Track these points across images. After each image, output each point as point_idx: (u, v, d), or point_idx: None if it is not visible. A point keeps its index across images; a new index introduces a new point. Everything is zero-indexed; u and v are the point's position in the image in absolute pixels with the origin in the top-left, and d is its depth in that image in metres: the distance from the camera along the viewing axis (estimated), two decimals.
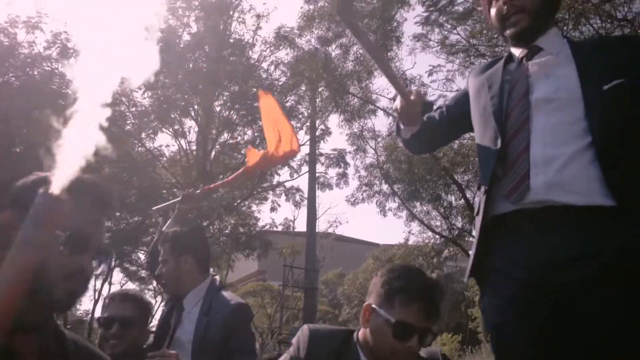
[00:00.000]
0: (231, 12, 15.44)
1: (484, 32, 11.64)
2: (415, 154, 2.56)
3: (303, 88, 14.79)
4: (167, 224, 2.81)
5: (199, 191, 2.89)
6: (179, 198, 2.86)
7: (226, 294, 2.43)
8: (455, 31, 12.13)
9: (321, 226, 19.74)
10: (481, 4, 1.76)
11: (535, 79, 1.53)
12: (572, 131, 1.43)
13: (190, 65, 15.02)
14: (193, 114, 15.71)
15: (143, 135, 16.16)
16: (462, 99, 1.80)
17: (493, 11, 1.65)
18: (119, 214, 15.50)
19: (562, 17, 11.65)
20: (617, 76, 1.45)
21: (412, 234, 16.81)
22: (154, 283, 15.19)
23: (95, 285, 17.07)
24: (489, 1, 1.68)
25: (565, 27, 11.60)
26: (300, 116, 15.61)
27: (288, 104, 15.39)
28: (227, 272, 18.75)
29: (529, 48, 1.60)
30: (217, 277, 2.53)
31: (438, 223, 15.77)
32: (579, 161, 1.39)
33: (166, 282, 2.47)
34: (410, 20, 14.04)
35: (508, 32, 1.62)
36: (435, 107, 1.88)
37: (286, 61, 14.91)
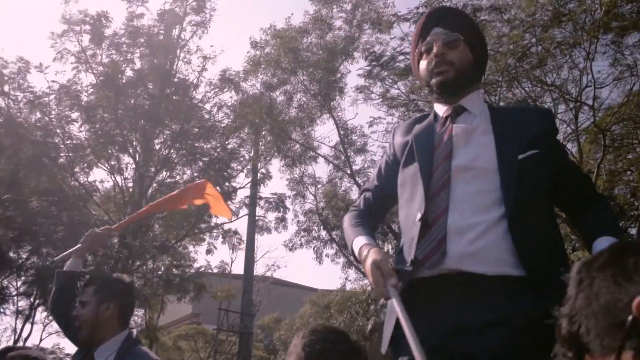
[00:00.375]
0: (178, 52, 15.38)
1: (425, 90, 12.10)
2: None
3: (246, 131, 14.75)
4: (60, 256, 2.65)
5: (101, 229, 2.71)
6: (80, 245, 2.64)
7: (142, 349, 2.28)
8: (396, 86, 12.52)
9: (259, 269, 19.46)
10: (411, 58, 1.82)
11: (457, 143, 1.58)
12: (488, 200, 1.47)
13: (132, 101, 14.76)
14: (131, 151, 15.33)
15: (77, 169, 15.62)
16: (390, 170, 1.80)
17: (423, 64, 1.70)
18: (45, 249, 14.74)
19: (496, 79, 12.32)
20: (530, 147, 1.52)
21: (349, 281, 16.81)
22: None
23: (15, 325, 15.97)
24: (420, 55, 1.73)
25: (498, 89, 12.26)
26: (242, 159, 15.50)
27: (230, 146, 15.29)
28: (159, 314, 18.05)
29: (454, 108, 1.65)
30: (134, 332, 2.38)
31: None
32: (493, 231, 1.42)
33: (81, 326, 2.27)
34: (354, 72, 14.45)
35: (434, 80, 1.66)
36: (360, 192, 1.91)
37: (229, 104, 14.87)
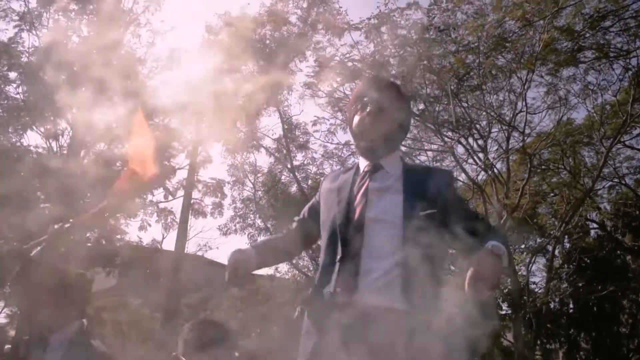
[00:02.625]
0: (127, 21, 14.99)
1: None
2: None
3: (189, 111, 14.60)
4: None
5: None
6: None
7: (94, 342, 2.36)
8: (342, 88, 12.77)
9: (191, 248, 19.40)
10: (347, 108, 2.10)
11: (371, 197, 1.86)
12: (390, 248, 1.77)
13: (75, 69, 14.30)
14: (70, 117, 14.89)
15: (10, 129, 15.04)
16: (314, 211, 2.10)
17: (356, 118, 1.98)
18: None
19: (437, 95, 12.79)
20: (430, 206, 1.80)
21: (279, 272, 17.10)
22: None
23: None
24: (355, 109, 2.00)
25: (437, 105, 12.73)
26: (183, 139, 15.34)
27: (173, 125, 15.10)
28: None
29: (373, 165, 1.94)
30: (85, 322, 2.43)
31: (305, 263, 16.22)
32: (390, 274, 1.74)
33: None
34: (303, 69, 14.60)
35: (362, 144, 1.99)
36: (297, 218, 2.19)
37: (176, 84, 14.67)
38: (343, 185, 1.97)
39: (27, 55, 14.05)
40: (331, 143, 13.78)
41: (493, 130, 13.72)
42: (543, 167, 14.95)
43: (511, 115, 13.30)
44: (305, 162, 14.38)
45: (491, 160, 12.91)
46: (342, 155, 13.63)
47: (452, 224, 1.85)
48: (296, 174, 13.95)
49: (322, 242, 1.96)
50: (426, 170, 2.16)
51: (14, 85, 14.21)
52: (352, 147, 13.31)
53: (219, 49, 12.97)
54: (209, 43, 13.24)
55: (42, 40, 13.61)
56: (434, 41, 12.03)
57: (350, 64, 12.15)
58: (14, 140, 15.21)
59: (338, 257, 1.82)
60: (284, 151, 14.30)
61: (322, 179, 2.26)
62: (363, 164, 1.99)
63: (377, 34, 11.97)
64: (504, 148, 13.37)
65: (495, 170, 13.38)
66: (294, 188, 14.54)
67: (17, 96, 14.36)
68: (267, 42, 12.96)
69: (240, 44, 12.70)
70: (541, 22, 11.18)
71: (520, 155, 13.74)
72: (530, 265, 15.71)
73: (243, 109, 13.47)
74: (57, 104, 14.24)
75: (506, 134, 13.36)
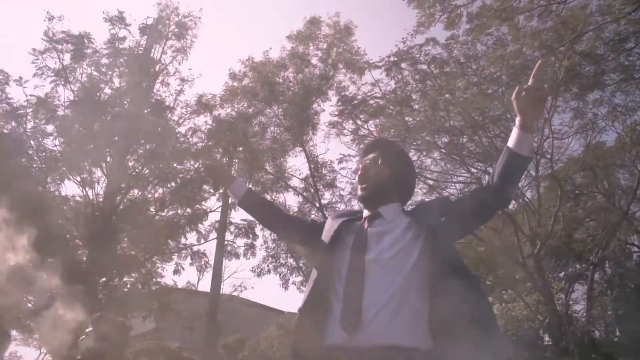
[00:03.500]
0: (157, 69, 15.59)
1: (391, 130, 12.54)
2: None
3: (219, 156, 14.94)
4: None
5: None
6: None
7: None
8: (366, 125, 12.90)
9: (225, 289, 19.51)
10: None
11: (371, 241, 1.98)
12: (391, 287, 1.85)
13: (108, 118, 14.90)
14: (104, 166, 15.42)
15: (49, 179, 15.63)
16: (316, 231, 2.23)
17: (358, 176, 2.19)
18: None
19: (459, 126, 12.76)
20: (438, 219, 1.97)
21: None
22: None
23: None
24: (358, 167, 2.23)
25: (462, 138, 12.67)
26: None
27: (202, 169, 15.39)
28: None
29: (372, 213, 2.08)
30: None
31: None
32: (389, 307, 1.82)
33: None
34: (327, 108, 14.86)
35: (359, 194, 2.17)
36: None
37: (204, 129, 15.08)
38: (347, 228, 2.10)
39: (62, 108, 14.72)
40: None
41: None
42: (576, 192, 14.67)
43: (538, 142, 13.16)
44: (334, 200, 14.50)
45: (520, 188, 12.74)
46: None
47: (462, 204, 2.06)
48: (325, 212, 14.01)
49: (317, 278, 2.05)
50: (422, 205, 2.34)
51: (51, 137, 14.83)
52: None
53: (243, 94, 13.34)
54: (233, 89, 13.61)
55: (76, 94, 14.25)
56: (455, 74, 12.12)
57: (372, 101, 12.29)
58: (52, 189, 15.77)
59: (341, 294, 1.91)
60: (312, 190, 14.43)
61: (328, 215, 2.43)
62: (366, 213, 2.14)
63: (398, 71, 12.13)
64: (533, 175, 13.19)
65: (526, 199, 13.19)
66: None
67: (54, 148, 14.95)
68: (290, 84, 13.24)
69: (264, 87, 13.06)
70: (561, 48, 11.16)
71: (551, 182, 13.54)
72: (569, 293, 15.25)
73: (270, 150, 13.75)
74: (92, 154, 14.83)
75: (534, 162, 13.20)
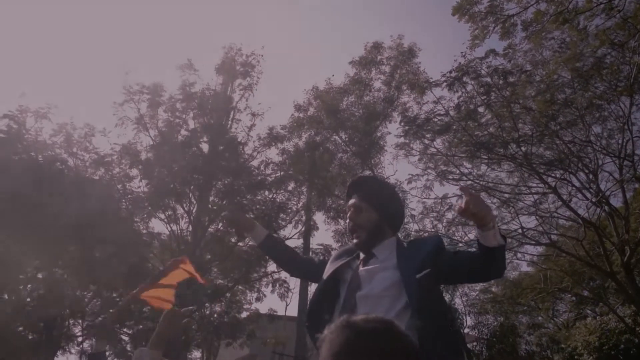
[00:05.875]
0: (231, 108, 16.36)
1: (460, 146, 12.38)
2: None
3: (292, 185, 15.36)
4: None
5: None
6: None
7: None
8: (433, 144, 12.80)
9: None
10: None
11: (363, 280, 2.12)
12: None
13: (191, 160, 15.76)
14: (186, 202, 16.26)
15: (137, 219, 16.63)
16: (319, 268, 2.41)
17: (345, 224, 2.32)
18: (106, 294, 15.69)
19: (528, 134, 12.36)
20: (424, 268, 2.01)
21: None
22: None
23: None
24: (347, 214, 2.33)
25: (531, 146, 12.28)
26: (289, 211, 16.08)
27: (279, 199, 15.93)
28: (214, 358, 18.69)
29: (366, 254, 2.21)
30: None
31: None
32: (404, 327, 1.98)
33: None
34: (392, 130, 14.88)
35: (353, 241, 2.25)
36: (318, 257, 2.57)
37: (276, 161, 15.54)
38: (346, 267, 2.25)
39: (145, 152, 15.74)
40: (428, 198, 13.70)
41: (605, 162, 12.88)
42: None
43: (620, 145, 12.47)
44: (405, 221, 14.32)
45: (604, 192, 12.07)
46: (440, 210, 13.44)
47: (454, 269, 2.04)
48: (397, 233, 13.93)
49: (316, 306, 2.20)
50: (416, 243, 2.31)
51: (136, 180, 15.86)
52: (450, 201, 13.21)
53: (309, 124, 13.68)
54: (299, 120, 14.00)
55: (154, 139, 15.23)
56: (521, 83, 11.83)
57: (436, 119, 12.21)
58: (141, 228, 16.77)
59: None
60: None
61: (333, 250, 2.55)
62: (362, 254, 2.25)
63: (461, 85, 11.99)
64: (617, 179, 12.48)
65: (611, 206, 12.48)
66: None
67: (138, 190, 15.97)
68: (354, 109, 13.44)
69: (329, 115, 13.33)
70: (633, 43, 10.63)
71: (639, 185, 12.75)
72: None
73: (339, 176, 13.94)
74: (174, 192, 15.71)
75: (617, 164, 12.52)
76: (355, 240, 2.24)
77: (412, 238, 2.43)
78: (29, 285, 14.04)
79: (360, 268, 2.20)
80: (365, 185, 2.40)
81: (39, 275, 14.10)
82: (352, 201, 2.30)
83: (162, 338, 2.43)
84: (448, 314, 2.16)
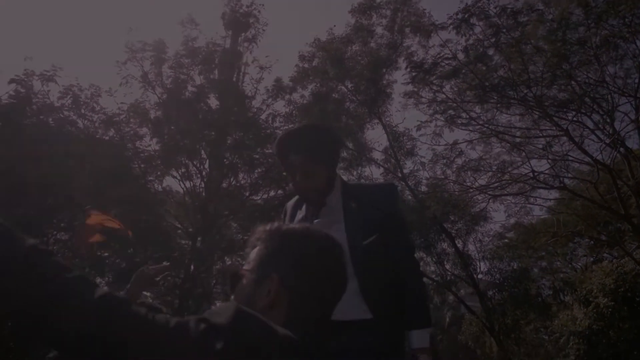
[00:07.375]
0: (243, 62, 16.12)
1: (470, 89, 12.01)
2: None
3: None
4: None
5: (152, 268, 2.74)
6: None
7: None
8: (442, 90, 12.45)
9: None
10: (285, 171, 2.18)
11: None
12: None
13: (200, 117, 15.66)
14: (198, 159, 16.29)
15: (150, 178, 16.75)
16: None
17: (292, 184, 2.13)
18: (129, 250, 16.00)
19: (538, 76, 11.92)
20: (372, 232, 1.98)
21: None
22: None
23: None
24: (291, 175, 2.10)
25: (540, 86, 11.85)
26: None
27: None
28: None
29: (318, 205, 2.09)
30: None
31: (432, 269, 15.96)
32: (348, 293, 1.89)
33: None
34: (399, 78, 14.51)
35: (308, 200, 2.11)
36: None
37: (282, 113, 15.30)
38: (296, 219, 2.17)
39: (153, 110, 15.70)
40: (438, 145, 13.46)
41: (621, 102, 12.41)
42: None
43: (637, 84, 11.96)
44: (415, 169, 14.21)
45: (618, 132, 11.66)
46: (451, 156, 13.21)
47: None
48: (407, 181, 13.81)
49: None
50: (366, 192, 2.21)
51: (147, 138, 15.87)
52: (460, 147, 12.96)
53: (314, 74, 13.40)
54: (304, 70, 13.71)
55: (161, 96, 15.13)
56: (532, 23, 11.32)
57: (443, 63, 11.81)
58: (156, 186, 16.91)
59: None
60: (393, 160, 14.25)
61: (287, 204, 2.33)
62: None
63: (469, 27, 11.52)
64: (633, 119, 12.04)
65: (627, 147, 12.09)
66: (407, 196, 14.36)
67: (149, 148, 16.01)
68: (359, 58, 13.08)
69: (335, 64, 13.02)
70: None
71: None
72: None
73: (348, 126, 13.75)
74: (185, 149, 15.72)
75: (634, 105, 12.05)
76: (310, 200, 2.10)
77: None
78: None
79: (314, 220, 2.10)
80: (305, 140, 2.06)
81: None
82: (295, 162, 2.02)
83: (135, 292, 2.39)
84: (400, 281, 2.04)
